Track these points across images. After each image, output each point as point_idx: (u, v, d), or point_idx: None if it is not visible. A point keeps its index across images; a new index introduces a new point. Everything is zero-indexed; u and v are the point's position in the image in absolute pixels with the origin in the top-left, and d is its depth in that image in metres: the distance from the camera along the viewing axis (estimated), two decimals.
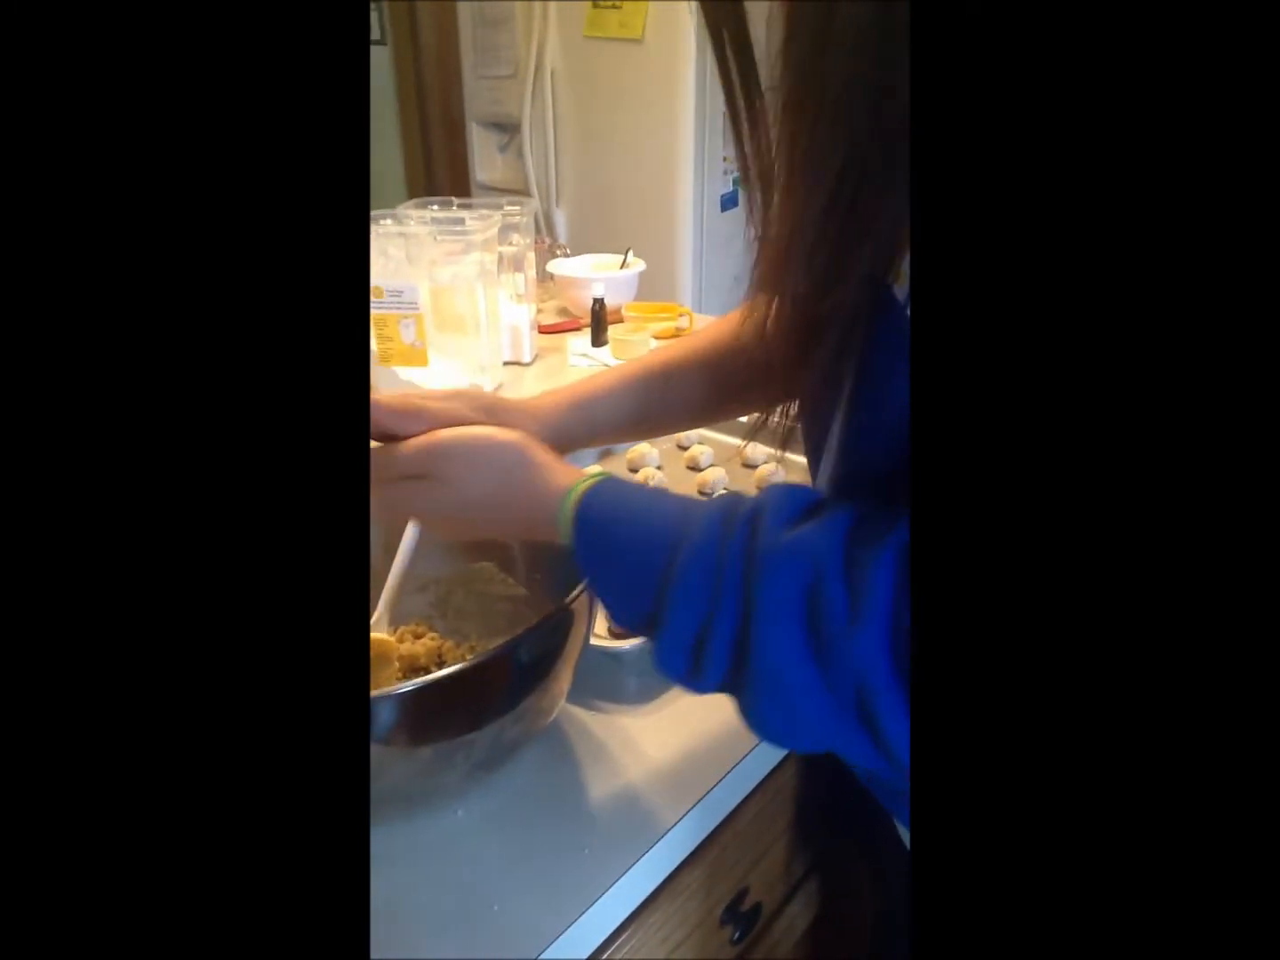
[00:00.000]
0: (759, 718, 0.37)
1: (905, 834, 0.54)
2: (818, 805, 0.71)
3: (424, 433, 0.46)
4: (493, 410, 0.51)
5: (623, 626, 0.42)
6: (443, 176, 2.45)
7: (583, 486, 0.43)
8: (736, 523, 0.37)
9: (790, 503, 0.37)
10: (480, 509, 0.46)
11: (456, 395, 0.51)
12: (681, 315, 1.34)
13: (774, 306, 0.43)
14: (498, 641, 0.45)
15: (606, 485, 0.43)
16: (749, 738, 0.56)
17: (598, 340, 1.26)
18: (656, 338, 1.28)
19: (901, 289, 0.37)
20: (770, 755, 0.59)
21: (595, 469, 0.81)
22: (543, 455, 0.46)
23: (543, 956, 0.44)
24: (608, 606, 0.43)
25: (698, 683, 0.38)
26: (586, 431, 0.57)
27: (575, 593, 0.47)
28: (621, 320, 1.31)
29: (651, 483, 0.85)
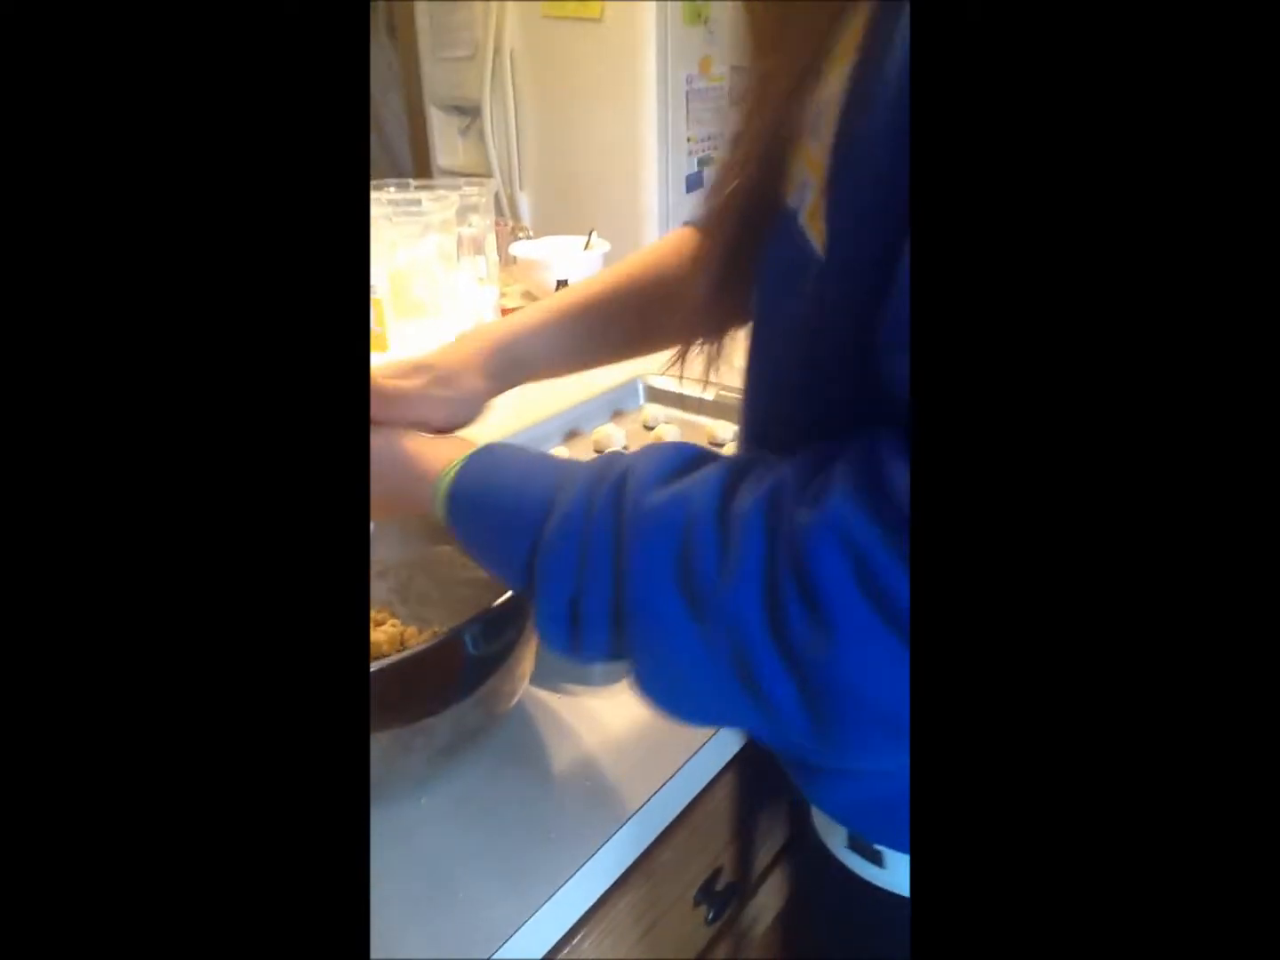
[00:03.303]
0: (648, 687, 0.36)
1: (818, 816, 0.54)
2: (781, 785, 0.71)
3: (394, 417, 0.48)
4: (432, 370, 0.52)
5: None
6: (405, 162, 2.42)
7: (453, 471, 0.42)
8: (604, 487, 0.36)
9: (663, 461, 0.36)
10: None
11: (416, 369, 0.51)
12: None
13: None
14: None
15: (477, 462, 0.42)
16: None
17: None
18: None
19: (793, 198, 0.36)
20: (739, 734, 0.58)
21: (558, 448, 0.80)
22: (411, 445, 0.45)
23: (510, 942, 0.43)
24: (500, 582, 0.43)
25: (580, 655, 0.37)
26: (517, 371, 0.56)
27: None
28: None
29: None
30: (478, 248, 1.13)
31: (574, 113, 1.87)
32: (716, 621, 0.32)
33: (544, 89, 1.90)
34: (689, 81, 1.83)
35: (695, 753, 0.53)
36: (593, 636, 0.36)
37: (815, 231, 0.34)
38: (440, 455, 0.44)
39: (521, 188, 1.99)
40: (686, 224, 0.63)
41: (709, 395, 0.98)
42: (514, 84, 1.92)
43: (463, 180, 1.16)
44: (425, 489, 0.43)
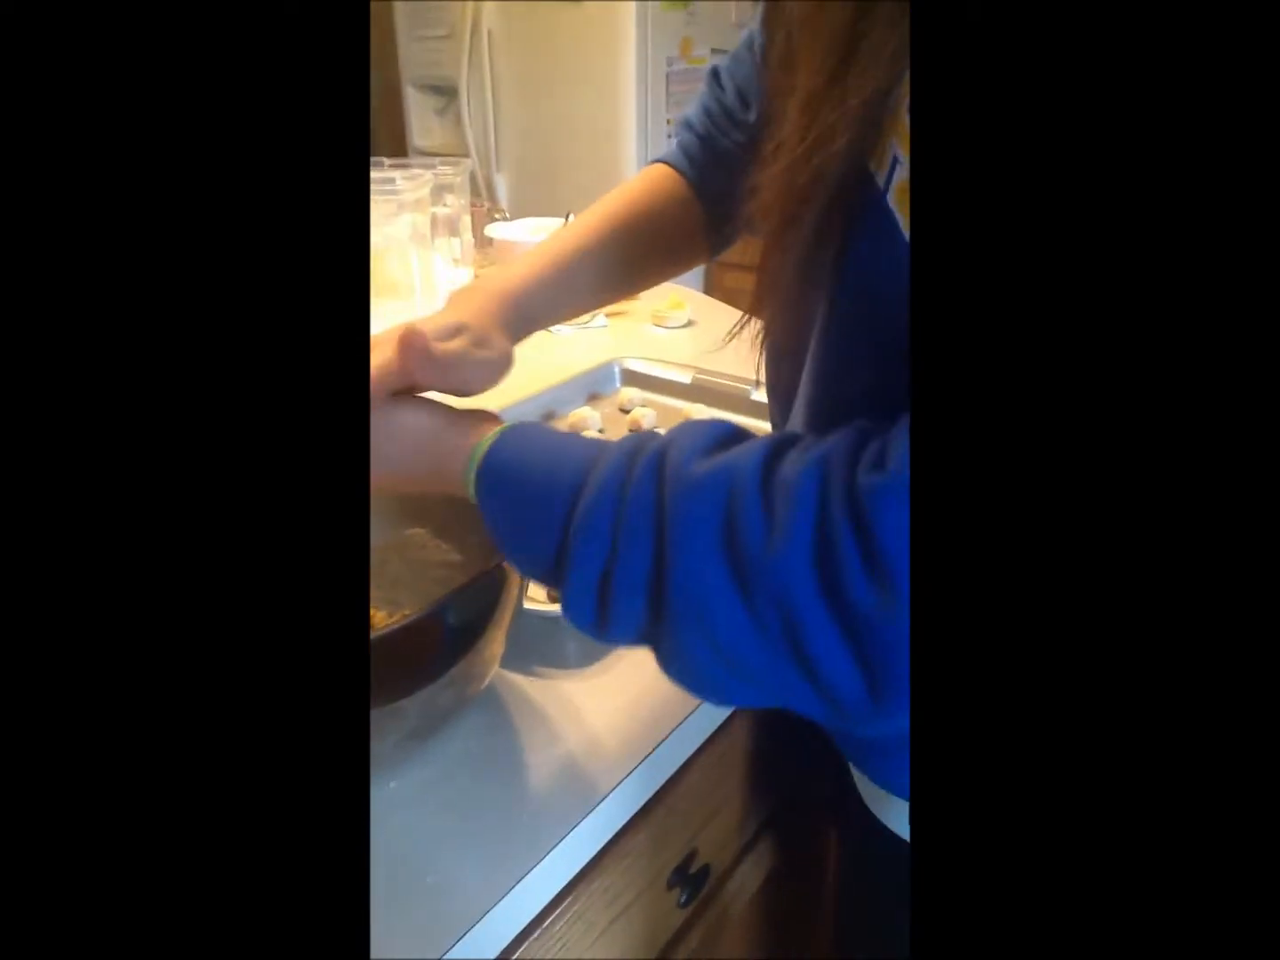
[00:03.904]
0: (684, 666, 0.36)
1: (862, 781, 0.54)
2: (768, 759, 0.71)
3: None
4: (469, 330, 0.49)
5: (533, 580, 0.41)
6: (380, 143, 2.39)
7: (486, 444, 0.41)
8: (640, 461, 0.35)
9: (701, 436, 0.36)
10: (390, 483, 0.45)
11: (456, 330, 0.48)
12: None
13: (765, 182, 0.40)
14: None
15: (510, 437, 0.41)
16: (692, 699, 0.55)
17: None
18: None
19: (881, 174, 0.35)
20: (715, 715, 0.58)
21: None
22: (445, 417, 0.44)
23: (479, 926, 0.42)
24: (515, 561, 0.42)
25: (608, 632, 0.37)
26: (528, 324, 0.55)
27: None
28: None
29: None
30: (452, 228, 1.11)
31: (552, 94, 1.85)
32: (764, 591, 0.31)
33: (522, 70, 1.88)
34: (669, 64, 1.82)
35: (668, 735, 0.53)
36: (622, 614, 0.35)
37: (905, 211, 0.33)
38: (473, 429, 0.43)
39: (499, 169, 1.97)
40: (658, 161, 0.62)
41: (686, 378, 0.98)
42: (492, 64, 1.90)
43: (437, 160, 1.14)
44: (458, 463, 0.42)
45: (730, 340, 0.51)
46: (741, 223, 0.44)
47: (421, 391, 0.46)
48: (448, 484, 0.43)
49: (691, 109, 0.63)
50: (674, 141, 0.63)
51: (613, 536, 0.35)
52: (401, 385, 0.45)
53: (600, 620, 0.36)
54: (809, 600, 0.30)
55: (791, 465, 0.32)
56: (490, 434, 0.42)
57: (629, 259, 0.59)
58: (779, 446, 0.34)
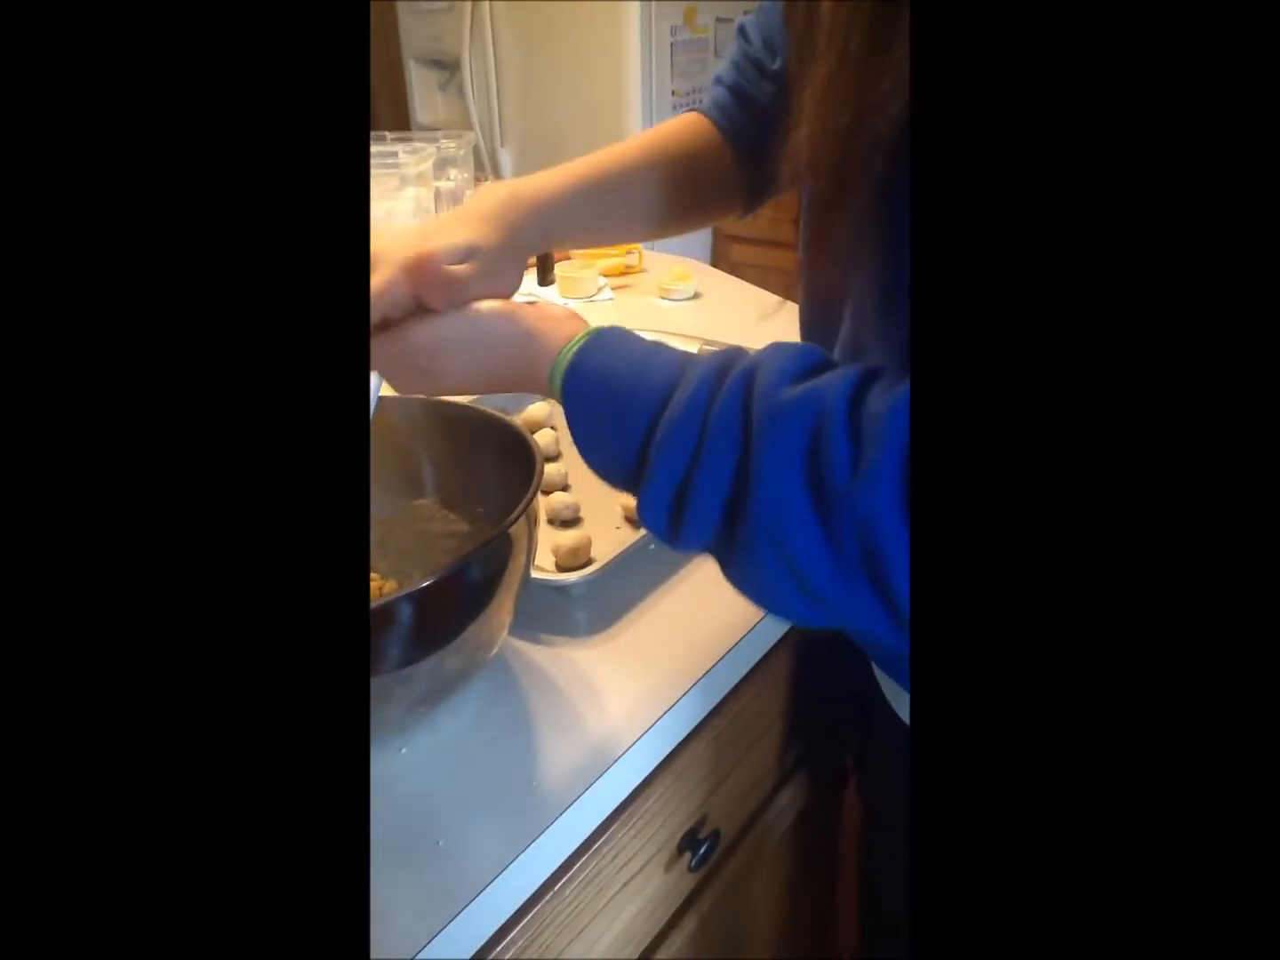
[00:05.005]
0: (755, 582, 0.37)
1: (885, 681, 0.57)
2: (779, 724, 0.71)
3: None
4: (480, 253, 0.47)
5: (609, 483, 0.43)
6: (383, 118, 2.37)
7: (574, 346, 0.42)
8: (731, 379, 0.36)
9: (791, 360, 0.36)
10: (474, 389, 0.47)
11: (468, 252, 0.47)
12: (630, 252, 1.31)
13: (807, 142, 0.40)
14: None
15: (599, 341, 0.42)
16: (700, 666, 0.55)
17: (544, 279, 1.23)
18: (604, 274, 1.25)
19: None
20: (725, 681, 0.58)
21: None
22: (533, 321, 0.45)
23: (490, 889, 0.43)
24: (593, 463, 0.43)
25: (679, 540, 0.38)
26: (542, 238, 0.54)
27: (513, 517, 0.46)
28: (568, 258, 1.28)
29: (544, 443, 0.79)
30: (456, 202, 1.11)
31: (556, 66, 1.83)
32: (845, 519, 0.32)
33: (525, 43, 1.86)
34: (673, 34, 1.80)
35: (676, 702, 0.53)
36: (696, 525, 0.36)
37: None
38: (560, 332, 0.44)
39: (502, 143, 1.96)
40: (693, 109, 0.61)
41: (693, 349, 0.97)
42: (494, 37, 1.88)
43: (440, 133, 1.13)
44: (544, 365, 0.43)
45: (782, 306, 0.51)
46: (785, 182, 0.44)
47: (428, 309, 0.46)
48: (534, 385, 0.44)
49: (721, 65, 0.62)
50: (706, 96, 0.62)
51: (696, 448, 0.36)
52: (405, 307, 0.45)
53: (673, 528, 0.38)
54: (892, 531, 0.31)
55: (879, 400, 0.32)
56: (579, 336, 0.43)
57: (660, 193, 0.59)
58: (866, 379, 0.34)
